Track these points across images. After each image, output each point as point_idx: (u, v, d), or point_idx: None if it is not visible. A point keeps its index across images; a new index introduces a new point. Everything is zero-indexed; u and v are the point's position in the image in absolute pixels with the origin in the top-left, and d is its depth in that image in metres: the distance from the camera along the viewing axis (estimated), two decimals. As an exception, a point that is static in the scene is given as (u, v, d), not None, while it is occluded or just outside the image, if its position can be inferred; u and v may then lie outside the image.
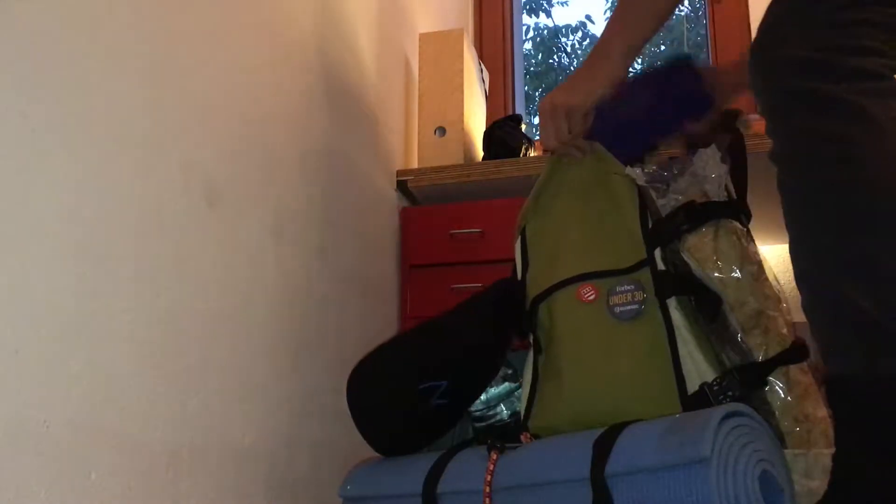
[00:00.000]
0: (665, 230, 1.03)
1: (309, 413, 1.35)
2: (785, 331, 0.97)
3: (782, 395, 0.93)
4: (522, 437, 1.00)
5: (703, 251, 1.00)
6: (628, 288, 1.01)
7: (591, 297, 1.04)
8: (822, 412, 0.94)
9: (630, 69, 1.12)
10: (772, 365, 0.94)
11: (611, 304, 1.02)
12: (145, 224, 0.98)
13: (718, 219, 1.02)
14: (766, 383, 0.93)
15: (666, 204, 1.06)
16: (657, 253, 1.02)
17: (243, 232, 1.20)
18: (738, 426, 0.83)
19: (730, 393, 0.92)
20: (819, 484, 0.91)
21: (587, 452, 0.87)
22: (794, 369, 0.95)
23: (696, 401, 0.93)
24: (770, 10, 0.91)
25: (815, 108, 0.83)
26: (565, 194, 1.17)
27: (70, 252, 0.86)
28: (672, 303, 0.99)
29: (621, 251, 1.05)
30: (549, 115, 1.12)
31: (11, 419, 0.76)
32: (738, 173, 1.14)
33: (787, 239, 1.38)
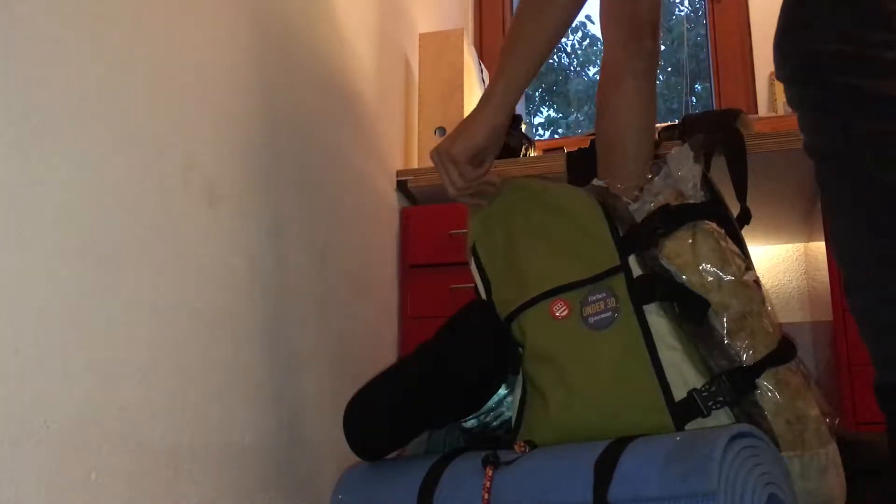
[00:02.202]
0: (641, 235, 1.01)
1: (309, 413, 1.35)
2: (771, 331, 0.96)
3: (773, 398, 0.92)
4: (517, 447, 0.99)
5: (682, 256, 0.98)
6: (600, 296, 1.00)
7: (564, 314, 1.02)
8: (815, 411, 0.94)
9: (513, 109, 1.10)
10: (761, 367, 0.93)
11: (584, 314, 1.00)
12: (145, 224, 0.98)
13: (695, 221, 1.00)
14: (755, 387, 0.92)
15: (640, 208, 1.04)
16: (632, 259, 1.00)
17: (243, 232, 1.20)
18: (744, 448, 0.82)
19: (720, 399, 0.91)
20: (815, 485, 0.90)
21: (588, 475, 0.86)
22: (782, 370, 0.94)
23: (684, 408, 0.92)
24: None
25: (860, 105, 0.80)
26: (518, 211, 1.14)
27: (70, 252, 0.86)
28: (651, 308, 0.97)
29: (591, 259, 1.03)
30: (439, 164, 1.10)
31: (11, 419, 0.76)
32: (738, 174, 1.14)
33: (786, 240, 1.37)
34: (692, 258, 0.98)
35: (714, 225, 1.02)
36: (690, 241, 0.99)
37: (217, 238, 1.13)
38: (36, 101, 0.82)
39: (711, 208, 1.04)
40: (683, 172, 1.04)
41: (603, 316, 0.99)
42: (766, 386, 0.93)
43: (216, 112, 1.16)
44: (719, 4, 2.58)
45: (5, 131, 0.78)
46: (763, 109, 2.42)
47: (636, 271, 1.00)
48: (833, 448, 0.94)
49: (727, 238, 1.03)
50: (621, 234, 1.03)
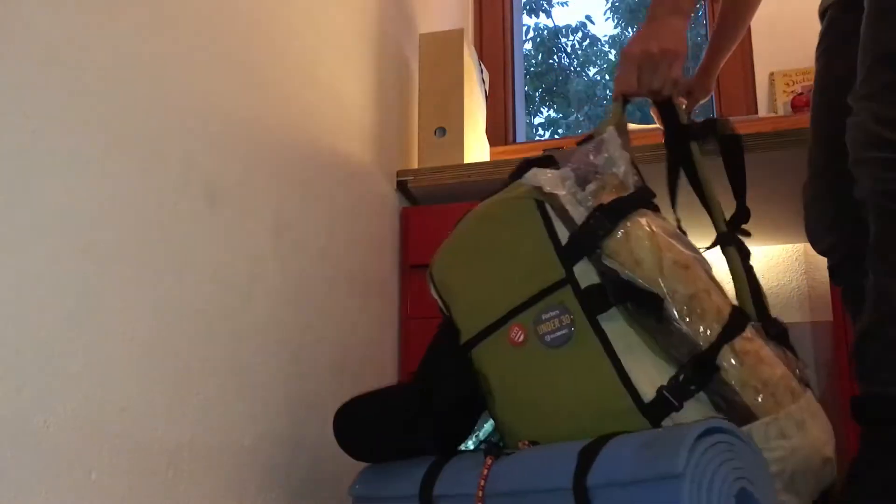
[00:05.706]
0: (582, 242, 1.00)
1: (309, 413, 1.35)
2: (721, 306, 0.95)
3: (736, 371, 0.91)
4: (520, 444, 1.00)
5: (621, 254, 0.98)
6: (554, 313, 0.99)
7: (521, 339, 1.02)
8: (780, 370, 0.93)
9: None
10: (718, 346, 0.92)
11: (540, 333, 1.00)
12: (145, 224, 0.98)
13: (627, 214, 0.99)
14: (717, 367, 0.92)
15: (578, 207, 1.03)
16: (578, 268, 0.99)
17: (243, 232, 1.21)
18: (717, 443, 0.83)
19: (690, 388, 0.91)
20: (798, 441, 0.90)
21: (573, 462, 0.88)
22: (739, 340, 0.93)
23: (657, 408, 0.91)
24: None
25: None
26: (469, 232, 1.17)
27: (70, 252, 0.86)
28: (606, 316, 0.97)
29: (537, 274, 1.03)
30: (647, 63, 1.14)
31: (11, 419, 0.76)
32: (737, 174, 1.14)
33: (785, 240, 1.36)
34: (629, 254, 0.97)
35: (648, 212, 1.01)
36: (623, 237, 0.98)
37: (217, 238, 1.13)
38: (36, 101, 0.83)
39: (643, 195, 1.03)
40: (616, 158, 1.04)
41: (559, 333, 0.99)
42: (727, 362, 0.92)
43: (216, 112, 1.16)
44: (719, 4, 2.58)
45: (5, 132, 0.78)
46: (763, 109, 2.42)
47: (584, 280, 0.99)
48: (807, 398, 0.94)
49: (663, 219, 1.02)
50: (563, 242, 1.02)
